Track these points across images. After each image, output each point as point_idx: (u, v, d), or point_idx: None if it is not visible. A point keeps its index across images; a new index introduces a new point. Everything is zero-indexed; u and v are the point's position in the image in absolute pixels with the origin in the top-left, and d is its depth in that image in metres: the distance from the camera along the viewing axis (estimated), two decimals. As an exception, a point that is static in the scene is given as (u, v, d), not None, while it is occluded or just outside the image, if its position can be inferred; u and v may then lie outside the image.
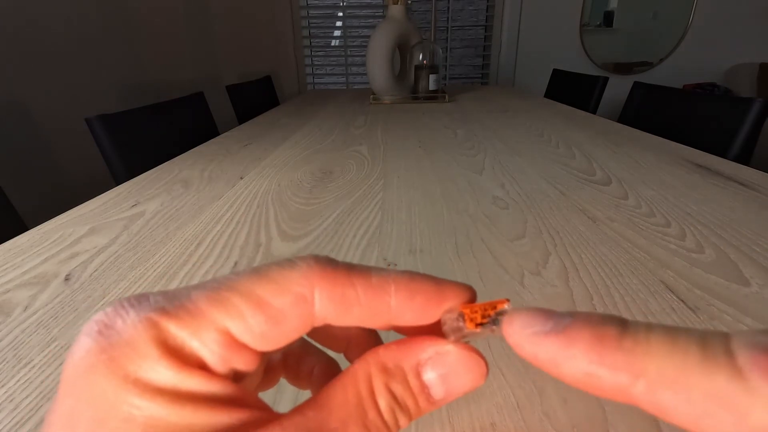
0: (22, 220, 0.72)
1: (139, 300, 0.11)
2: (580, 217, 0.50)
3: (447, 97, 1.48)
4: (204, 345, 0.10)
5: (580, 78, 1.63)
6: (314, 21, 2.47)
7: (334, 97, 1.69)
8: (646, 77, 2.46)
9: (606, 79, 1.48)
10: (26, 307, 0.35)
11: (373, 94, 1.54)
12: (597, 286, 0.36)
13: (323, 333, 0.16)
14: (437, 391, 0.12)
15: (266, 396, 0.25)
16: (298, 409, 0.11)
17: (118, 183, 0.85)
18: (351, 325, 0.12)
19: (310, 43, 2.50)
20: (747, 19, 2.37)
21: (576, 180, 0.63)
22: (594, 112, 1.46)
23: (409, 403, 0.12)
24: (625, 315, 0.33)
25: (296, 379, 0.17)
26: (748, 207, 0.52)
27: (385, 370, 0.12)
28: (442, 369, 0.12)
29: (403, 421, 0.11)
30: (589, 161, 0.72)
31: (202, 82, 2.11)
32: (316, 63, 2.54)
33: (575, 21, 2.40)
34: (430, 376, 0.12)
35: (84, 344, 0.10)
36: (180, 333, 0.10)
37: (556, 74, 1.86)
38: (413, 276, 0.12)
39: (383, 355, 0.12)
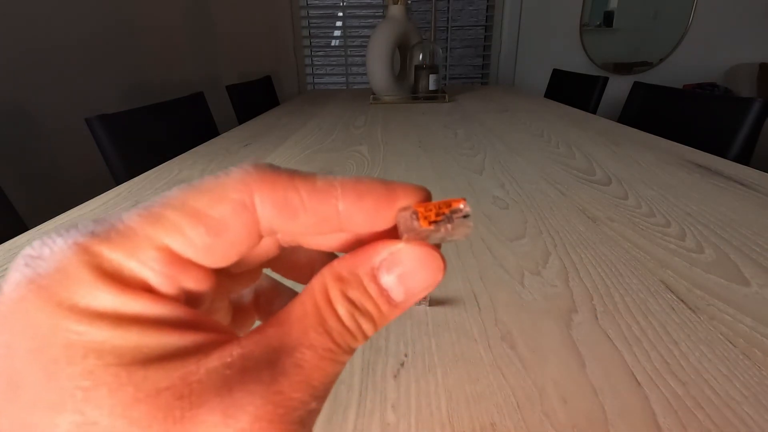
0: (22, 220, 0.72)
1: (67, 228, 0.10)
2: (580, 217, 0.50)
3: (447, 97, 1.48)
4: (143, 264, 0.10)
5: (580, 78, 1.63)
6: (314, 21, 2.47)
7: (334, 97, 1.69)
8: (646, 77, 2.46)
9: (606, 79, 1.48)
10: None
11: (373, 94, 1.54)
12: (597, 286, 0.36)
13: (286, 263, 0.15)
14: (396, 293, 0.11)
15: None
16: (257, 329, 0.11)
17: (118, 183, 0.85)
18: (301, 233, 0.12)
19: (310, 43, 2.50)
20: (747, 19, 2.37)
21: (576, 180, 0.63)
22: (594, 112, 1.46)
23: (370, 307, 0.11)
24: (625, 315, 0.33)
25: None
26: (748, 207, 0.52)
27: (341, 279, 0.11)
28: (398, 269, 0.11)
29: (366, 326, 0.11)
30: (589, 161, 0.72)
31: (202, 82, 2.11)
32: (316, 63, 2.54)
33: (575, 21, 2.40)
34: (386, 279, 0.11)
35: (12, 279, 0.09)
36: (114, 255, 0.10)
37: (556, 74, 1.86)
38: (360, 179, 0.12)
39: (337, 265, 0.12)
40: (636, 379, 0.26)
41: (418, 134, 0.97)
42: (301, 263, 0.15)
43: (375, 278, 0.11)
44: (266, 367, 0.10)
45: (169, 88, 1.90)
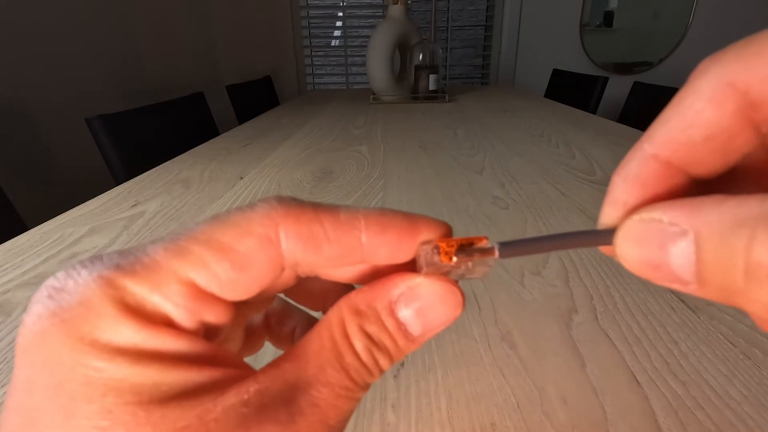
0: (22, 220, 0.72)
1: (92, 260, 0.10)
2: (580, 217, 0.50)
3: (447, 97, 1.48)
4: (167, 299, 0.10)
5: (580, 78, 1.63)
6: (314, 21, 2.47)
7: (334, 97, 1.69)
8: (646, 77, 2.46)
9: (606, 79, 1.48)
10: (26, 307, 0.35)
11: (373, 94, 1.54)
12: (597, 286, 0.36)
13: (301, 291, 0.15)
14: (414, 327, 0.11)
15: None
16: (273, 363, 0.11)
17: (118, 183, 0.85)
18: (324, 265, 0.11)
19: (310, 43, 2.50)
20: (747, 20, 2.37)
21: (576, 180, 0.63)
22: (594, 112, 1.46)
23: (387, 342, 0.11)
24: (625, 315, 0.33)
25: (279, 341, 0.16)
26: (748, 207, 0.52)
27: (358, 313, 0.11)
28: (416, 303, 0.11)
29: (383, 361, 0.11)
30: (589, 161, 0.72)
31: (202, 82, 2.11)
32: (316, 63, 2.54)
33: (575, 21, 2.40)
34: (404, 312, 0.11)
35: (35, 311, 0.09)
36: (138, 289, 0.09)
37: (556, 74, 1.86)
38: (384, 211, 0.12)
39: (354, 298, 0.11)
40: (636, 379, 0.26)
41: (418, 134, 0.97)
42: (315, 292, 0.15)
43: (393, 312, 0.11)
44: (283, 405, 0.10)
45: (169, 88, 1.90)
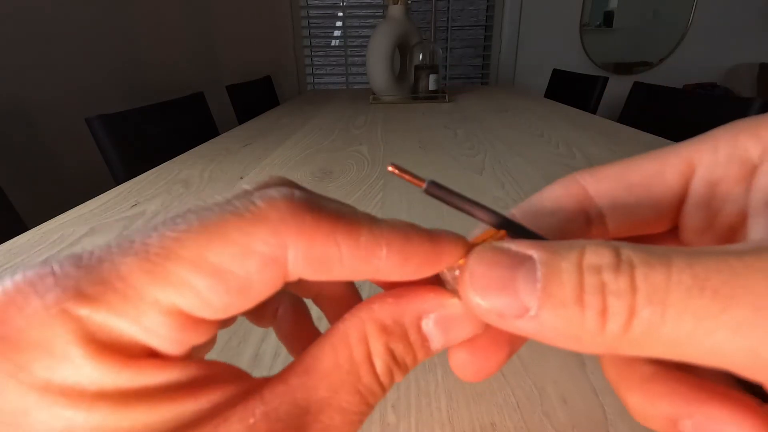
0: (22, 220, 0.72)
1: (40, 275, 0.08)
2: (580, 217, 0.50)
3: (447, 97, 1.48)
4: (148, 332, 0.08)
5: (580, 78, 1.63)
6: (314, 21, 2.47)
7: (334, 97, 1.69)
8: (646, 77, 2.46)
9: (606, 79, 1.48)
10: None
11: (373, 94, 1.54)
12: (597, 286, 0.36)
13: (299, 285, 0.14)
14: (436, 342, 0.11)
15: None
16: (280, 377, 0.09)
17: (118, 183, 0.85)
18: (326, 280, 0.11)
19: (310, 43, 2.50)
20: (747, 19, 2.37)
21: (576, 180, 0.63)
22: (594, 112, 1.46)
23: (408, 359, 0.10)
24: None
25: (258, 319, 0.15)
26: (748, 207, 0.52)
27: (384, 329, 0.10)
28: (445, 322, 0.10)
29: (398, 376, 0.10)
30: (589, 161, 0.72)
31: (202, 82, 2.11)
32: (316, 63, 2.54)
33: (575, 21, 2.40)
34: (430, 327, 0.10)
35: None
36: (112, 323, 0.08)
37: (556, 74, 1.86)
38: (408, 236, 0.10)
39: (379, 311, 0.10)
40: (636, 379, 0.26)
41: (418, 134, 0.97)
42: (307, 284, 0.14)
43: (419, 328, 0.10)
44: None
45: (169, 88, 1.90)
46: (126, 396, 0.08)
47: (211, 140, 0.97)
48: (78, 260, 0.08)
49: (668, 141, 0.84)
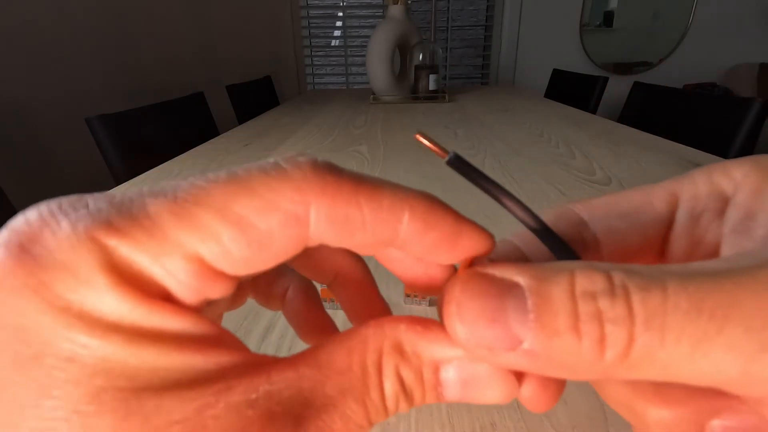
0: (22, 220, 0.72)
1: (74, 206, 0.08)
2: (580, 217, 0.50)
3: (447, 97, 1.48)
4: (168, 273, 0.08)
5: (580, 78, 1.63)
6: (314, 21, 2.47)
7: (334, 97, 1.69)
8: (646, 77, 2.46)
9: (606, 79, 1.48)
10: None
11: (373, 94, 1.54)
12: (597, 286, 0.36)
13: (307, 264, 0.14)
14: (451, 393, 0.10)
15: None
16: (291, 362, 0.09)
17: (118, 183, 0.85)
18: (347, 248, 0.10)
19: (310, 43, 2.50)
20: (747, 19, 2.37)
21: (576, 180, 0.63)
22: (594, 112, 1.46)
23: (416, 394, 0.10)
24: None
25: (267, 300, 0.15)
26: (748, 207, 0.52)
27: (401, 353, 0.10)
28: (467, 377, 0.10)
29: (403, 407, 0.10)
30: (589, 161, 0.72)
31: (202, 82, 2.11)
32: (316, 63, 2.54)
33: (575, 21, 2.40)
34: (449, 376, 0.10)
35: (2, 260, 0.08)
36: (136, 257, 0.08)
37: (556, 74, 1.86)
38: (432, 205, 0.10)
39: (400, 332, 0.10)
40: (636, 379, 0.26)
41: (418, 134, 0.97)
42: (323, 268, 0.14)
43: (437, 370, 0.10)
44: (291, 421, 0.08)
45: (169, 88, 1.90)
46: (139, 333, 0.08)
47: (211, 140, 0.97)
48: (111, 198, 0.09)
49: (668, 141, 0.84)
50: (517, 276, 0.09)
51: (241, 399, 0.08)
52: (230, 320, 0.33)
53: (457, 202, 0.55)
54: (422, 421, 0.24)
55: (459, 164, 0.11)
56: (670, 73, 2.46)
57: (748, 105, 0.89)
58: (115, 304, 0.08)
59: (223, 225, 0.08)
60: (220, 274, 0.09)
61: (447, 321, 0.09)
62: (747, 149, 0.89)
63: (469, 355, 0.10)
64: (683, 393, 0.10)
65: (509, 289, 0.09)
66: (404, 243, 0.10)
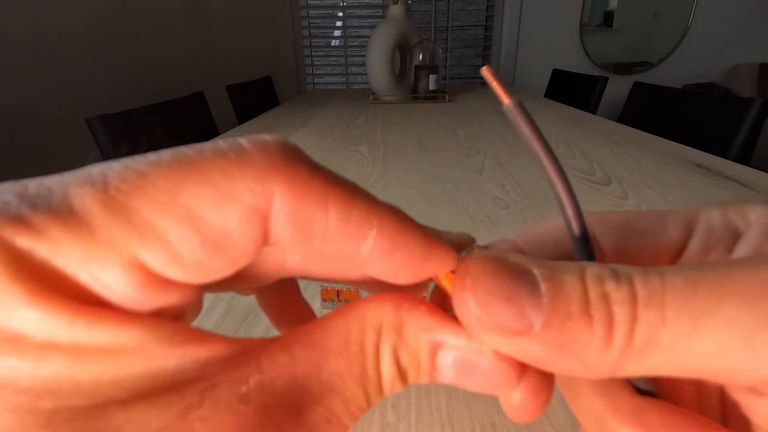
0: (22, 220, 0.72)
1: None
2: (580, 217, 0.50)
3: (447, 97, 1.48)
4: (99, 284, 0.07)
5: (580, 78, 1.63)
6: (314, 21, 2.47)
7: (334, 97, 1.69)
8: (646, 77, 2.46)
9: (606, 79, 1.48)
10: None
11: (373, 94, 1.54)
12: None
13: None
14: (446, 377, 0.10)
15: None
16: (282, 344, 0.08)
17: (118, 183, 0.85)
18: (296, 254, 0.09)
19: (310, 43, 2.50)
20: (747, 19, 2.37)
21: (576, 180, 0.63)
22: (594, 112, 1.46)
23: (411, 375, 0.10)
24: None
25: (237, 285, 0.12)
26: (748, 207, 0.52)
27: (399, 333, 0.09)
28: (465, 364, 0.09)
29: (398, 385, 0.09)
30: (589, 161, 0.72)
31: (202, 82, 2.11)
32: (316, 63, 2.54)
33: (575, 21, 2.40)
34: (446, 361, 0.09)
35: None
36: (59, 261, 0.06)
37: (556, 74, 1.86)
38: (403, 224, 0.09)
39: (405, 313, 0.09)
40: (636, 379, 0.26)
41: (418, 134, 0.97)
42: (250, 275, 0.13)
43: (434, 355, 0.09)
44: (290, 413, 0.08)
45: (169, 88, 1.90)
46: (81, 348, 0.07)
47: (210, 140, 0.97)
48: (23, 188, 0.07)
49: (668, 141, 0.84)
50: (530, 265, 0.09)
51: (229, 394, 0.07)
52: (230, 320, 0.33)
53: (457, 202, 0.55)
54: (422, 421, 0.24)
55: (516, 113, 0.10)
56: (670, 73, 2.46)
57: (748, 105, 0.89)
58: (39, 318, 0.06)
59: (170, 222, 0.07)
60: (169, 283, 0.07)
61: (458, 297, 0.09)
62: (747, 149, 0.89)
63: (474, 338, 0.09)
64: (663, 421, 0.09)
65: (524, 273, 0.09)
66: (363, 262, 0.09)
